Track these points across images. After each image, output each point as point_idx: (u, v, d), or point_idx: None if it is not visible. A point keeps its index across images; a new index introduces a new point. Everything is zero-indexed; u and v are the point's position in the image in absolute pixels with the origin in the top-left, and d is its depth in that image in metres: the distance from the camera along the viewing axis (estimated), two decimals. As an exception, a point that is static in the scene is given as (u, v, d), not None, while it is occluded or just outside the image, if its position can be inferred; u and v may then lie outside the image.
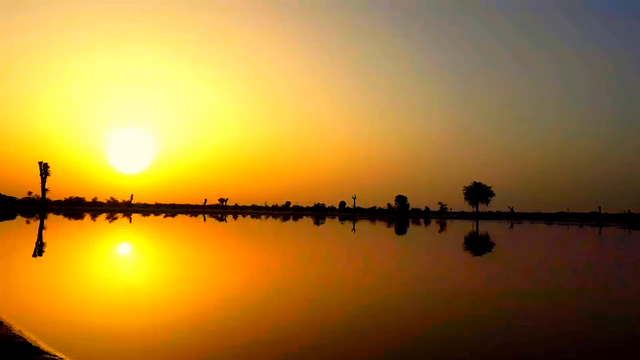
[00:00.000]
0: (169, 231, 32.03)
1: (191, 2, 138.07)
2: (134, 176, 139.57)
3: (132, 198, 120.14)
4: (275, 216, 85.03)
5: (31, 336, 5.56)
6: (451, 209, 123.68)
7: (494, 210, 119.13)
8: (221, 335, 6.05)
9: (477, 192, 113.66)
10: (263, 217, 78.13)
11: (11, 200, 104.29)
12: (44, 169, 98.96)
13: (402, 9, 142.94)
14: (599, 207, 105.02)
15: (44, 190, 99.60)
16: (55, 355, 4.87)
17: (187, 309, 7.52)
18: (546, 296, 9.70)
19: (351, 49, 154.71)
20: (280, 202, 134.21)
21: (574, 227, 57.30)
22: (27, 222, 39.09)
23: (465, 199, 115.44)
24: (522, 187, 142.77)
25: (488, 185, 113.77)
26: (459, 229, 45.11)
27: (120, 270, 12.31)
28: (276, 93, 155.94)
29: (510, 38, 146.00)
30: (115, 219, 50.79)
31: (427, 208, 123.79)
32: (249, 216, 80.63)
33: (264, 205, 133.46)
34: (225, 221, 53.35)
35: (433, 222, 68.58)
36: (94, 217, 55.39)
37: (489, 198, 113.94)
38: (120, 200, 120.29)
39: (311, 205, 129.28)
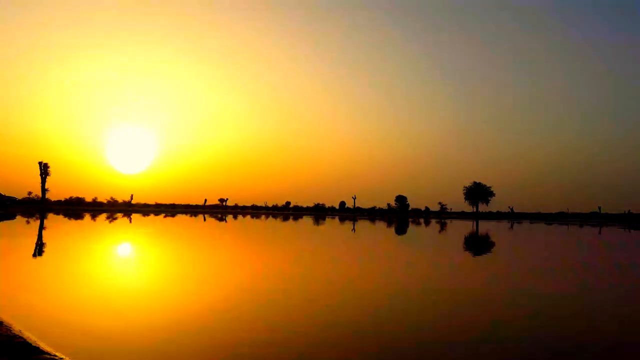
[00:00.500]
0: (169, 231, 32.03)
1: (192, 2, 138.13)
2: (133, 176, 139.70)
3: (132, 198, 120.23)
4: (275, 216, 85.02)
5: (31, 336, 5.56)
6: (451, 209, 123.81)
7: (494, 210, 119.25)
8: (221, 336, 6.05)
9: (477, 192, 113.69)
10: (263, 217, 78.12)
11: (11, 200, 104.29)
12: (44, 169, 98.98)
13: (404, 9, 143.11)
14: (599, 207, 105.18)
15: (44, 190, 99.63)
16: (55, 355, 4.87)
17: (187, 309, 7.52)
18: (546, 296, 9.70)
19: (352, 50, 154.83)
20: (280, 202, 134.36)
21: (574, 227, 57.31)
22: (27, 222, 39.10)
23: (465, 199, 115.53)
24: (522, 187, 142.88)
25: (488, 185, 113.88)
26: (459, 229, 45.11)
27: (120, 271, 12.31)
28: (276, 93, 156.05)
29: (510, 38, 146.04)
30: (115, 219, 50.79)
31: (427, 208, 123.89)
32: (249, 216, 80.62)
33: (264, 205, 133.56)
34: (226, 221, 53.35)
35: (433, 222, 68.57)
36: (93, 217, 55.39)
37: (489, 198, 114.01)
38: (120, 201, 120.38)
39: (311, 205, 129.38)
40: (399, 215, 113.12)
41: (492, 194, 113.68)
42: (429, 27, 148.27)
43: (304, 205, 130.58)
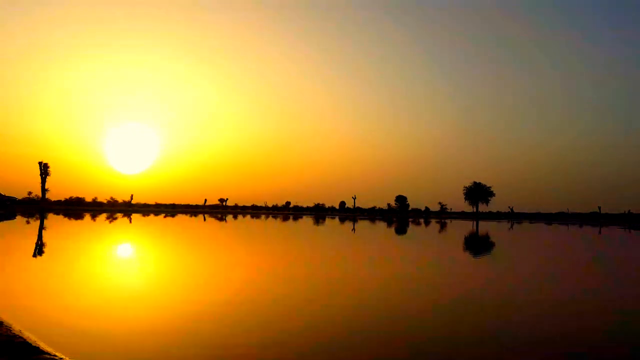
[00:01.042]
0: (169, 232, 32.03)
1: (193, 2, 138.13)
2: (133, 176, 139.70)
3: (132, 198, 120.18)
4: (275, 216, 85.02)
5: (31, 336, 5.57)
6: (451, 209, 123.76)
7: (494, 210, 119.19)
8: (221, 336, 6.06)
9: (477, 192, 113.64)
10: (263, 217, 78.12)
11: (11, 200, 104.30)
12: (44, 169, 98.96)
13: (405, 9, 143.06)
14: (599, 207, 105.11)
15: (44, 190, 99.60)
16: (55, 355, 4.88)
17: (187, 309, 7.52)
18: (546, 297, 9.71)
19: (352, 50, 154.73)
20: (280, 202, 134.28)
21: (574, 227, 57.30)
22: (27, 222, 39.10)
23: (465, 199, 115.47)
24: (522, 187, 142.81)
25: (488, 185, 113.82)
26: (459, 230, 45.11)
27: (120, 271, 12.32)
28: (276, 93, 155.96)
29: (511, 38, 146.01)
30: (115, 219, 50.79)
31: (427, 208, 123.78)
32: (249, 216, 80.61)
33: (264, 205, 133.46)
34: (225, 221, 53.35)
35: (433, 222, 68.55)
36: (93, 217, 55.40)
37: (489, 198, 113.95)
38: (120, 201, 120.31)
39: (311, 205, 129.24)
40: (399, 215, 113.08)
41: (492, 194, 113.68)
42: (428, 27, 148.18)
43: (304, 205, 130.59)
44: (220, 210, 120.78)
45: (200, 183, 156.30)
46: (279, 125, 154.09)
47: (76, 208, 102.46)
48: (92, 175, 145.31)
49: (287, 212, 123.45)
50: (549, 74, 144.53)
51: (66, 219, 48.68)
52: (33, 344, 5.16)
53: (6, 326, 5.87)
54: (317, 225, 48.97)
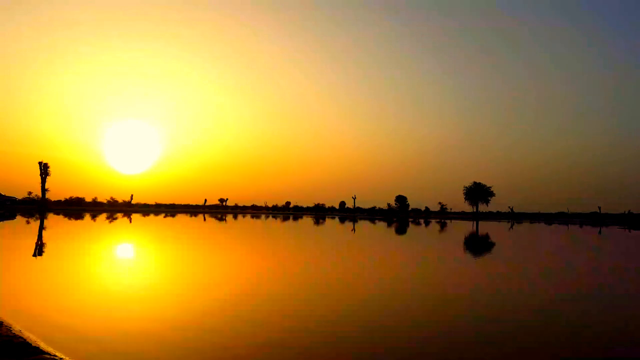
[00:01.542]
0: (169, 232, 32.03)
1: (196, 2, 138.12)
2: (134, 176, 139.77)
3: (132, 198, 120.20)
4: (275, 216, 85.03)
5: (31, 336, 5.57)
6: (451, 209, 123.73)
7: (494, 210, 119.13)
8: (221, 336, 6.06)
9: (477, 192, 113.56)
10: (263, 217, 78.11)
11: (11, 200, 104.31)
12: (44, 169, 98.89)
13: (407, 10, 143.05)
14: (599, 207, 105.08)
15: (44, 190, 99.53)
16: (55, 355, 4.88)
17: (186, 310, 7.52)
18: (545, 298, 9.71)
19: (352, 50, 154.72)
20: (280, 202, 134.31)
21: (574, 227, 57.27)
22: (27, 222, 39.10)
23: (465, 199, 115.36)
24: (522, 187, 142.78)
25: (488, 185, 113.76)
26: (459, 230, 45.10)
27: (120, 271, 12.31)
28: (277, 93, 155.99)
29: (513, 40, 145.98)
30: (115, 219, 50.78)
31: (427, 208, 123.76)
32: (249, 216, 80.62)
33: (264, 205, 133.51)
34: (225, 221, 53.34)
35: (433, 222, 68.53)
36: (94, 217, 55.39)
37: (489, 198, 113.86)
38: (120, 201, 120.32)
39: (311, 205, 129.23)
40: (399, 215, 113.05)
41: (492, 194, 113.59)
42: (431, 28, 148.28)
43: (304, 205, 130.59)
44: (220, 211, 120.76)
45: (200, 183, 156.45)
46: (279, 125, 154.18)
47: (76, 208, 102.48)
48: (92, 175, 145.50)
49: (287, 212, 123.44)
50: (550, 75, 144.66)
51: (66, 219, 48.67)
52: (33, 344, 5.16)
53: (6, 326, 5.87)
54: (317, 225, 48.96)
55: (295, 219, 70.80)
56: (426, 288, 10.55)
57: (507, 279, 12.59)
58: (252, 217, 76.62)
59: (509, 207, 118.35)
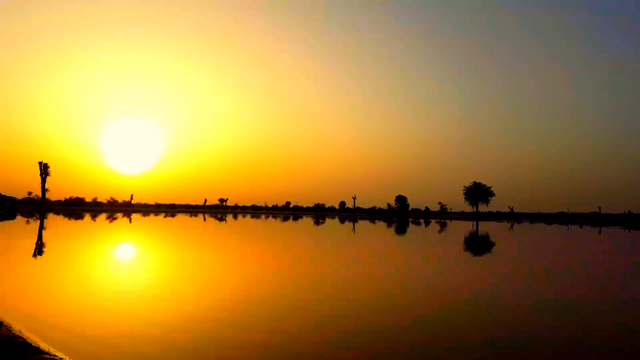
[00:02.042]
0: (169, 231, 32.03)
1: (197, 3, 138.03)
2: (134, 176, 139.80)
3: (132, 198, 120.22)
4: (275, 216, 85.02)
5: (31, 336, 5.56)
6: (451, 209, 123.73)
7: (494, 210, 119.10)
8: (221, 336, 6.05)
9: (477, 192, 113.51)
10: (263, 217, 78.11)
11: (11, 200, 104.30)
12: (44, 169, 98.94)
13: (409, 9, 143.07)
14: (599, 207, 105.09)
15: (44, 190, 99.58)
16: (55, 356, 4.87)
17: (187, 310, 7.52)
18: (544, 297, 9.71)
19: (353, 50, 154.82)
20: (280, 202, 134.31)
21: (574, 227, 57.29)
22: (27, 222, 39.10)
23: (465, 199, 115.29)
24: (522, 187, 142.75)
25: (488, 185, 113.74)
26: (459, 230, 45.10)
27: (120, 271, 12.30)
28: (277, 93, 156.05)
29: (514, 41, 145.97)
30: (115, 219, 50.78)
31: (427, 208, 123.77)
32: (249, 216, 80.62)
33: (264, 205, 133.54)
34: (225, 221, 53.35)
35: (433, 222, 68.54)
36: (94, 217, 55.39)
37: (489, 198, 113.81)
38: (120, 201, 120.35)
39: (311, 205, 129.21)
40: (399, 215, 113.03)
41: (492, 194, 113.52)
42: (432, 29, 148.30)
43: (304, 205, 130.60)
44: (220, 210, 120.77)
45: (200, 183, 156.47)
46: (279, 125, 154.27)
47: (76, 208, 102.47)
48: (92, 175, 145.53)
49: (287, 212, 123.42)
50: (551, 75, 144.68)
51: (66, 219, 48.67)
52: (33, 344, 5.15)
53: (6, 326, 5.87)
54: (317, 225, 48.97)
55: (295, 219, 70.80)
56: (429, 287, 10.55)
57: (510, 278, 12.58)
58: (252, 217, 76.63)
59: (509, 207, 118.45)
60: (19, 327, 5.93)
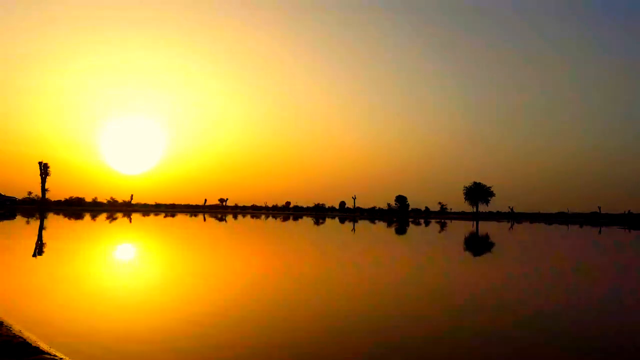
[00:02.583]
0: (169, 231, 32.03)
1: (198, 3, 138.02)
2: (134, 177, 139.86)
3: (132, 198, 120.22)
4: (275, 216, 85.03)
5: (31, 336, 5.56)
6: (451, 209, 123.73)
7: (494, 210, 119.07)
8: (221, 336, 6.05)
9: (477, 192, 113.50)
10: (263, 217, 78.11)
11: (11, 200, 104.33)
12: (44, 169, 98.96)
13: (410, 10, 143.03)
14: (599, 207, 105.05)
15: (44, 190, 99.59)
16: (55, 356, 4.87)
17: (187, 309, 7.51)
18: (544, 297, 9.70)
19: (353, 50, 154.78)
20: (280, 202, 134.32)
21: (574, 227, 57.28)
22: (27, 222, 39.09)
23: (465, 199, 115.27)
24: (522, 187, 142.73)
25: (488, 185, 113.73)
26: (459, 230, 45.10)
27: (120, 271, 12.30)
28: (277, 93, 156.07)
29: (515, 40, 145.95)
30: (115, 219, 50.78)
31: (427, 208, 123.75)
32: (249, 216, 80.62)
33: (264, 205, 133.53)
34: (225, 221, 53.34)
35: (433, 222, 68.53)
36: (94, 217, 55.39)
37: (489, 198, 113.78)
38: (120, 201, 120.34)
39: (311, 205, 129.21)
40: (399, 215, 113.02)
41: (492, 194, 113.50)
42: (433, 28, 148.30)
43: (304, 205, 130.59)
44: (220, 210, 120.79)
45: (200, 183, 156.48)
46: (279, 125, 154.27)
47: (76, 208, 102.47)
48: (92, 175, 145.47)
49: (287, 212, 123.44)
50: (552, 75, 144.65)
51: (66, 219, 48.67)
52: (33, 344, 5.15)
53: (6, 326, 5.86)
54: (317, 225, 48.96)
55: (295, 219, 70.80)
56: (429, 287, 10.55)
57: (510, 278, 12.59)
58: (252, 217, 76.63)
59: (509, 207, 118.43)
60: (19, 327, 5.92)
